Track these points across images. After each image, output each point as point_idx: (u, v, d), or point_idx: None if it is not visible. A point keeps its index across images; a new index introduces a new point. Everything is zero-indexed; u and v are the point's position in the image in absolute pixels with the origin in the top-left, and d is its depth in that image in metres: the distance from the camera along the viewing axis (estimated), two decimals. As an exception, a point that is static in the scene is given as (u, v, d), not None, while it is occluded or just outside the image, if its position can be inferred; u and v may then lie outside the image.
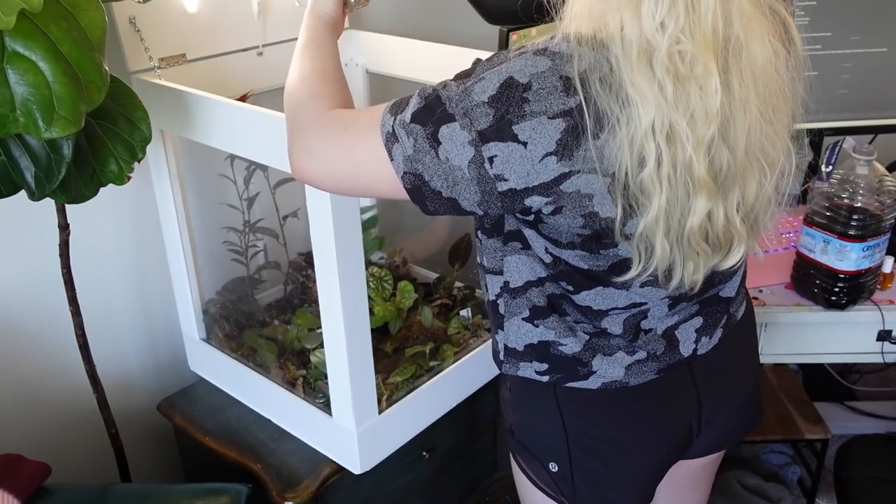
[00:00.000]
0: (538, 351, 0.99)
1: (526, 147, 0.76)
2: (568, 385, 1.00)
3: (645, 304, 0.93)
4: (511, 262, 0.96)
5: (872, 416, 2.17)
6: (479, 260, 1.03)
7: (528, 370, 1.01)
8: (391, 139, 0.80)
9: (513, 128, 0.76)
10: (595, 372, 0.98)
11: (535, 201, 0.80)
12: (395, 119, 0.81)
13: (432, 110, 0.78)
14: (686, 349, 1.00)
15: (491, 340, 1.07)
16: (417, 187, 0.81)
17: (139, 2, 1.19)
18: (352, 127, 0.85)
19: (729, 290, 1.02)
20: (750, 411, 1.14)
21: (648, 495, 1.08)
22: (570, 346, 0.97)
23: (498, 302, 1.01)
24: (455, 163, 0.78)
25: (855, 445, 1.60)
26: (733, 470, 1.99)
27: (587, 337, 0.97)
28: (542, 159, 0.77)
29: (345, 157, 0.84)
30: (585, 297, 0.93)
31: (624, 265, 0.86)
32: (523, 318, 0.99)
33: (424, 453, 1.45)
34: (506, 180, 0.78)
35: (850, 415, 2.18)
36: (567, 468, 1.03)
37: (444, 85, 0.80)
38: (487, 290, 1.02)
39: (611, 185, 0.78)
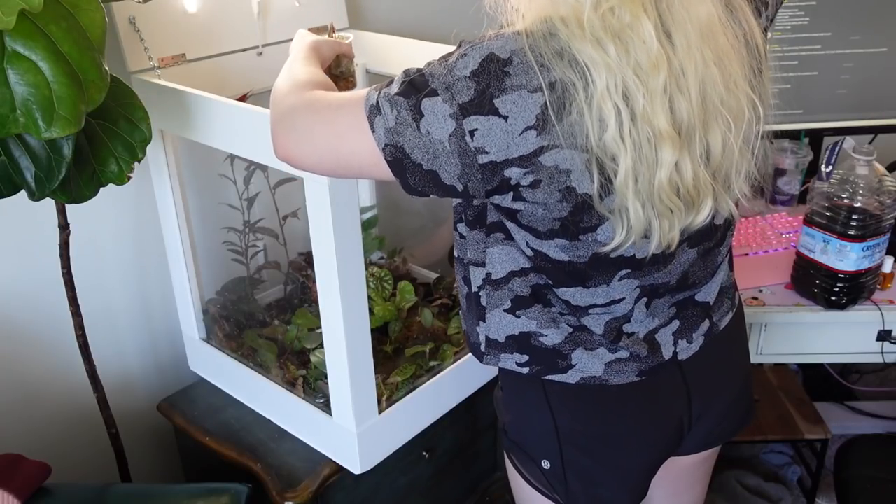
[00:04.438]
0: (519, 342, 1.00)
1: (507, 121, 0.77)
2: (548, 378, 1.01)
3: (623, 298, 0.94)
4: (494, 254, 0.97)
5: (872, 416, 2.17)
6: (458, 254, 1.03)
7: (510, 361, 1.02)
8: (374, 111, 0.82)
9: (494, 101, 0.77)
10: (574, 366, 0.99)
11: (513, 172, 0.80)
12: (379, 93, 0.83)
13: (416, 86, 0.80)
14: (667, 352, 1.01)
15: (468, 334, 1.07)
16: (398, 159, 0.82)
17: (139, 2, 1.19)
18: (336, 103, 0.87)
19: (705, 295, 1.02)
20: (742, 406, 1.15)
21: (641, 492, 1.09)
22: (551, 337, 0.98)
23: (480, 294, 1.01)
24: (436, 136, 0.79)
25: (855, 445, 1.61)
26: (733, 470, 1.99)
27: (570, 329, 0.98)
28: (522, 133, 0.78)
29: (328, 131, 0.86)
30: (565, 293, 0.94)
31: (604, 256, 0.87)
32: (505, 310, 0.99)
33: (424, 453, 1.45)
34: (486, 153, 0.79)
35: (850, 415, 2.18)
36: (559, 465, 1.04)
37: (429, 64, 0.82)
38: (469, 283, 1.02)
39: (588, 161, 0.79)
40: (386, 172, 0.84)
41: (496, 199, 0.85)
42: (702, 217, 0.85)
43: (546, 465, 1.05)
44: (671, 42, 0.77)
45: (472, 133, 0.78)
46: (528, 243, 0.91)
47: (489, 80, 0.77)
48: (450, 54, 0.81)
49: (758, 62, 0.86)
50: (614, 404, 1.02)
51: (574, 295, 0.94)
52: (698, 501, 1.28)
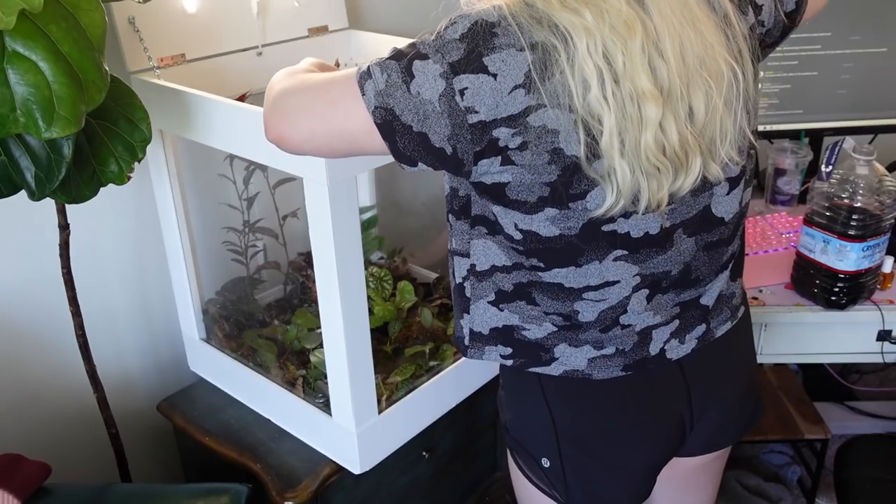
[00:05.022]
0: (503, 335, 1.01)
1: (496, 79, 0.79)
2: (534, 370, 1.01)
3: (618, 282, 0.93)
4: (477, 246, 0.98)
5: (872, 416, 2.17)
6: (448, 245, 1.04)
7: (494, 354, 1.03)
8: (365, 76, 0.83)
9: (483, 59, 0.79)
10: (557, 359, 0.99)
11: (502, 133, 0.81)
12: (371, 61, 0.84)
13: (407, 52, 0.82)
14: (654, 348, 1.00)
15: (454, 328, 1.08)
16: (388, 122, 0.82)
17: (139, 2, 1.19)
18: (328, 77, 0.88)
19: (708, 298, 1.02)
20: (748, 407, 1.14)
21: (643, 492, 1.08)
22: (534, 332, 0.99)
23: (465, 285, 1.02)
24: (426, 97, 0.80)
25: (855, 445, 1.61)
26: (733, 470, 1.99)
27: (555, 329, 0.98)
28: (511, 91, 0.79)
29: (319, 102, 0.86)
30: (557, 274, 0.93)
31: (596, 227, 0.87)
32: (489, 302, 1.00)
33: (424, 453, 1.46)
34: (476, 112, 0.80)
35: (850, 415, 2.18)
36: (558, 463, 1.04)
37: (420, 37, 0.84)
38: (455, 274, 1.03)
39: (575, 122, 0.80)
40: (377, 143, 0.84)
41: (483, 168, 0.85)
42: (691, 178, 0.86)
43: (546, 463, 1.05)
44: (644, 7, 0.80)
45: (461, 92, 0.79)
46: (516, 225, 0.90)
47: (478, 40, 0.79)
48: (439, 26, 0.83)
49: (732, 36, 0.87)
50: (609, 399, 1.02)
51: (567, 276, 0.93)
52: None
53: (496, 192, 0.88)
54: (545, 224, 0.88)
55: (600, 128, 0.80)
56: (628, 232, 0.89)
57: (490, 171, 0.85)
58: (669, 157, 0.83)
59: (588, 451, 1.04)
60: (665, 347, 1.01)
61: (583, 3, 0.78)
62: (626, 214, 0.87)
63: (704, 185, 0.90)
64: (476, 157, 0.83)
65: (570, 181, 0.84)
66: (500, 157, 0.83)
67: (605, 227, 0.88)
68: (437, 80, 0.80)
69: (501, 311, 1.00)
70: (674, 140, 0.82)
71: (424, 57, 0.80)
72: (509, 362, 1.03)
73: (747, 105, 0.89)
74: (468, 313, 1.03)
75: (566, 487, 1.05)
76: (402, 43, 1.46)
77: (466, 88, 0.79)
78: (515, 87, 0.79)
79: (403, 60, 0.81)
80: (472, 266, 1.00)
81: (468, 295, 1.02)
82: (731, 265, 1.04)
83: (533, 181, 0.84)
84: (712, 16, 0.85)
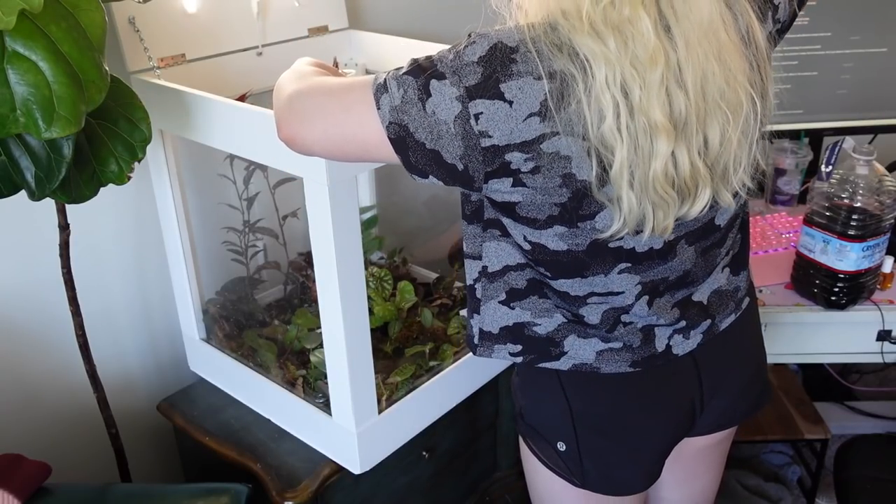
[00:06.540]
0: (513, 333, 1.02)
1: (511, 106, 0.79)
2: (540, 366, 1.02)
3: (622, 292, 0.94)
4: (490, 248, 0.99)
5: (872, 416, 2.17)
6: (463, 246, 1.05)
7: (503, 352, 1.04)
8: (381, 89, 0.83)
9: (500, 86, 0.79)
10: (566, 353, 1.00)
11: (514, 157, 0.82)
12: (388, 73, 0.84)
13: (424, 68, 0.82)
14: (660, 344, 1.01)
15: (466, 325, 1.09)
16: (402, 138, 0.83)
17: (139, 2, 1.19)
18: (345, 83, 0.89)
19: (700, 295, 1.03)
20: (756, 388, 1.15)
21: (655, 473, 1.10)
22: (545, 326, 1.00)
23: (476, 286, 1.03)
24: (441, 117, 0.81)
25: (855, 445, 1.61)
26: (733, 470, 1.99)
27: (564, 320, 0.99)
28: (525, 119, 0.79)
29: (334, 106, 0.87)
30: (563, 284, 0.95)
31: (602, 244, 0.88)
32: (500, 301, 1.01)
33: (424, 453, 1.45)
34: (490, 137, 0.80)
35: (850, 415, 2.18)
36: (574, 447, 1.05)
37: (438, 52, 0.84)
38: (467, 276, 1.04)
39: (588, 149, 0.81)
40: (388, 153, 0.84)
41: (494, 186, 0.85)
42: (698, 207, 0.86)
43: (562, 447, 1.06)
44: (671, 37, 0.79)
45: (476, 116, 0.79)
46: (525, 237, 0.92)
47: (496, 65, 0.79)
48: (458, 43, 0.83)
49: (755, 58, 0.87)
50: (621, 391, 1.03)
51: (573, 286, 0.94)
52: (710, 490, 1.27)
53: (506, 208, 0.90)
54: (554, 239, 0.89)
55: (612, 158, 0.80)
56: (633, 247, 0.90)
57: (500, 189, 0.86)
58: (678, 188, 0.84)
59: (603, 435, 1.05)
60: (670, 343, 1.02)
61: (609, 29, 0.77)
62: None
63: (713, 205, 0.91)
64: (487, 177, 0.84)
65: (581, 203, 0.84)
66: (511, 179, 0.84)
67: (612, 244, 0.89)
68: (453, 103, 0.80)
69: (513, 309, 1.01)
70: (685, 170, 0.83)
71: (441, 77, 0.80)
72: (518, 359, 1.04)
73: (763, 132, 0.90)
74: (478, 313, 1.04)
75: (582, 470, 1.06)
76: (401, 43, 1.48)
77: (482, 113, 0.79)
78: (531, 115, 0.79)
79: (421, 78, 0.81)
80: (484, 268, 1.01)
81: (479, 296, 1.03)
82: (728, 262, 1.05)
83: (543, 201, 0.85)
84: (739, 43, 0.84)
